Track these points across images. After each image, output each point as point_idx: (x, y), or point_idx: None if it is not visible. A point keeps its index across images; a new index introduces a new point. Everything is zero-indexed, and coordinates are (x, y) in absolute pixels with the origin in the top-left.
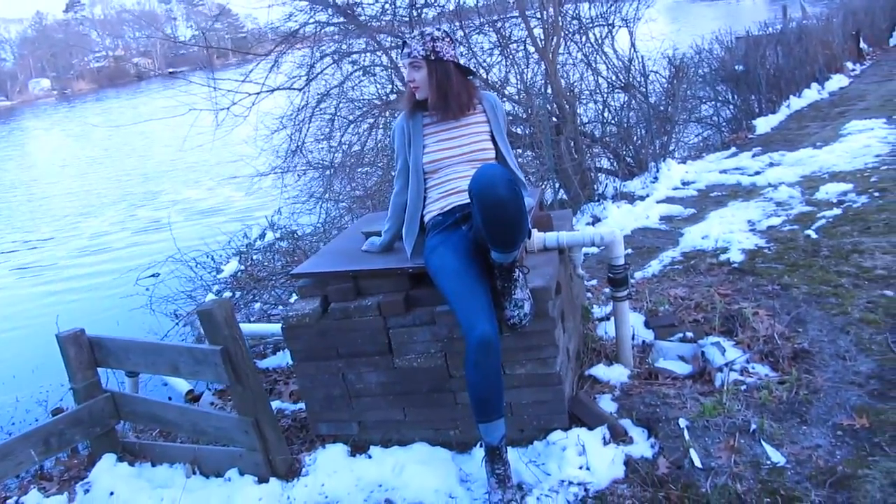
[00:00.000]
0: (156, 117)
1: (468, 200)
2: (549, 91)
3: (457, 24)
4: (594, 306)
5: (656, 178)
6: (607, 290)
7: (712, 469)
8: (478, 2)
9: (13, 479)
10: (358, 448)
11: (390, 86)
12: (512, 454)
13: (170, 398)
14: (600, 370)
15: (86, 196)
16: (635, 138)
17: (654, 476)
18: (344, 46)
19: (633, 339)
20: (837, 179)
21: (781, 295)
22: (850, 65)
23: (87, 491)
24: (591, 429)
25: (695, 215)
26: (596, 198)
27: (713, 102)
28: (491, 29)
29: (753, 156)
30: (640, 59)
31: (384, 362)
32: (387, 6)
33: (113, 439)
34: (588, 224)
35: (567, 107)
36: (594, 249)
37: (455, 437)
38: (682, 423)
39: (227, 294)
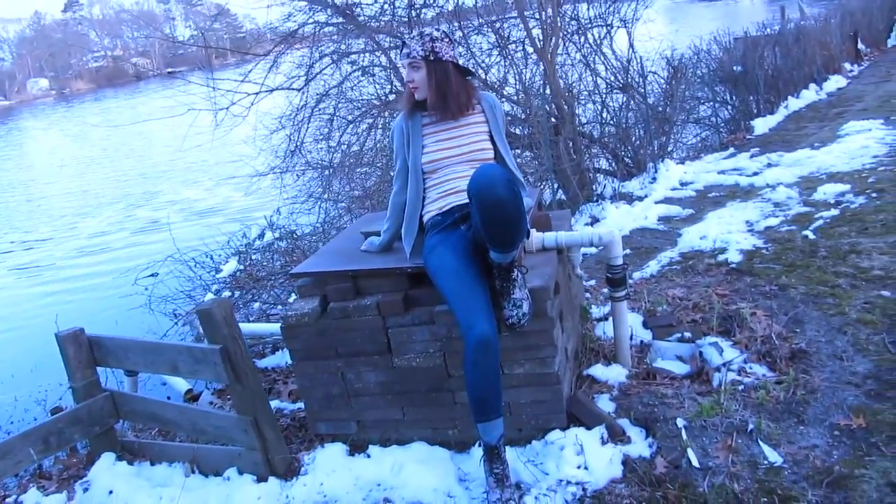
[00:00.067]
0: (154, 117)
1: (467, 200)
2: (548, 91)
3: (455, 24)
4: (592, 306)
5: (655, 179)
6: (606, 290)
7: (710, 469)
8: (476, 2)
9: (12, 478)
10: (357, 447)
11: (389, 86)
12: (510, 453)
13: (168, 397)
14: (598, 370)
15: (84, 196)
16: (634, 139)
17: (651, 476)
18: (343, 47)
19: (631, 339)
20: (835, 180)
21: (779, 295)
22: (847, 66)
23: (86, 490)
24: (589, 428)
25: (693, 216)
26: (594, 198)
27: (711, 103)
28: (489, 29)
29: (751, 156)
30: (639, 60)
31: (383, 362)
32: (386, 6)
33: (112, 438)
34: (587, 224)
35: (566, 107)
36: (593, 250)
37: (454, 437)
38: (680, 422)
39: (227, 294)
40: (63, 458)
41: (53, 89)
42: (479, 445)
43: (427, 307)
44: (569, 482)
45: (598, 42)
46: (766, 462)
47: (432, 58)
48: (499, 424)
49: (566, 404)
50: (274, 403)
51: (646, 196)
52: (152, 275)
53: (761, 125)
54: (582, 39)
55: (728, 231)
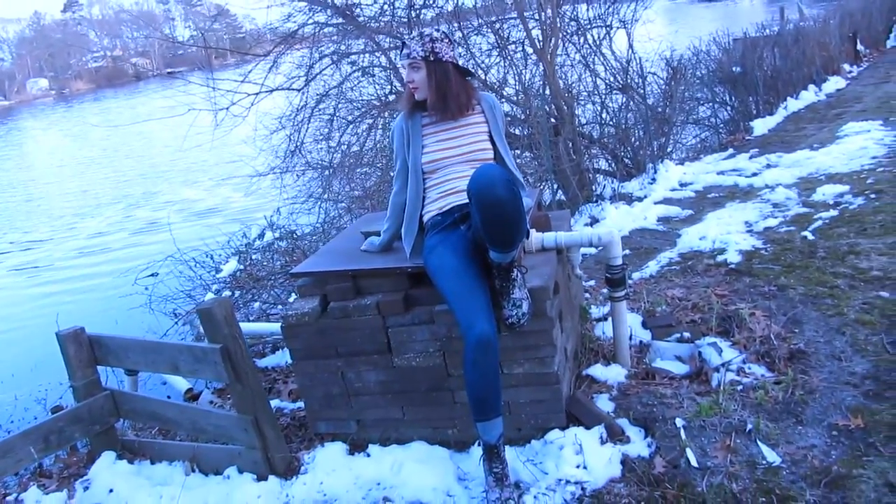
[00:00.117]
0: (154, 117)
1: (467, 200)
2: (548, 92)
3: (455, 25)
4: (592, 306)
5: (654, 180)
6: (605, 290)
7: (708, 468)
8: (476, 3)
9: (12, 477)
10: (356, 446)
11: (389, 86)
12: (509, 453)
13: (168, 397)
14: (598, 370)
15: (83, 196)
16: (633, 139)
17: (650, 475)
18: (343, 47)
19: (630, 339)
20: (834, 181)
21: (778, 296)
22: (847, 67)
23: (86, 488)
24: (588, 428)
25: (692, 216)
26: (594, 199)
27: (711, 104)
28: (489, 30)
29: (751, 157)
30: (638, 61)
31: (383, 361)
32: (385, 7)
33: (112, 437)
34: (586, 225)
35: (565, 108)
36: (592, 250)
37: (453, 436)
38: (679, 422)
39: (227, 293)
40: (63, 456)
41: (53, 89)
42: (479, 445)
43: (427, 307)
44: (568, 481)
45: (598, 43)
46: (764, 462)
47: (432, 58)
48: (498, 424)
49: (565, 404)
50: (274, 403)
51: (645, 197)
52: (152, 274)
53: (760, 126)
54: (581, 40)
55: (727, 232)
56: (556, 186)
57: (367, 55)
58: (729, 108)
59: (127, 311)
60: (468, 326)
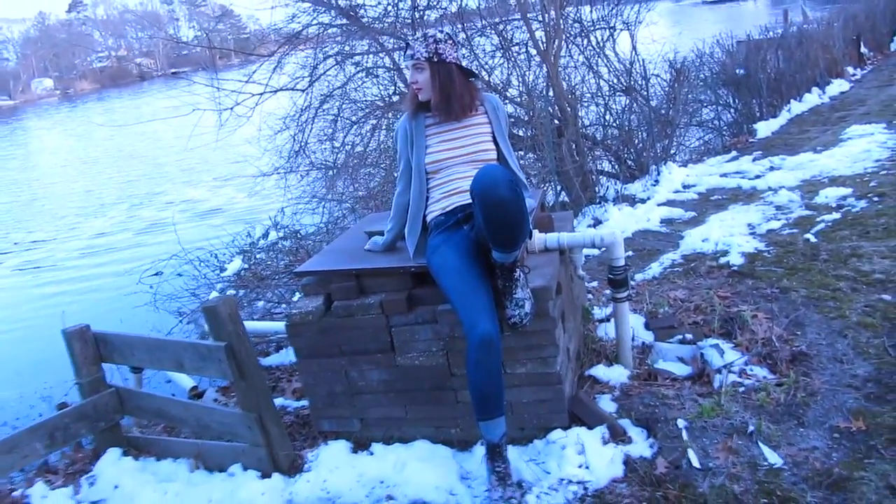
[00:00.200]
0: (159, 117)
1: (470, 200)
2: (551, 94)
3: (459, 26)
4: (594, 307)
5: (657, 181)
6: (608, 291)
7: (710, 469)
8: (480, 4)
9: (19, 472)
10: (360, 445)
11: (393, 87)
12: (512, 452)
13: (173, 395)
14: (600, 370)
15: (88, 196)
16: (636, 141)
17: (652, 476)
18: (347, 48)
19: (632, 340)
20: (837, 184)
21: (780, 298)
22: (850, 69)
23: (91, 484)
24: (590, 428)
25: (695, 218)
26: (597, 200)
27: (714, 106)
28: (493, 31)
29: (754, 160)
30: (642, 63)
31: (386, 360)
32: (389, 8)
33: (117, 434)
34: (589, 226)
35: (569, 109)
36: (595, 251)
37: (456, 435)
38: (681, 423)
39: (231, 292)
40: (69, 452)
41: (58, 89)
42: (482, 444)
43: (430, 306)
44: (570, 481)
45: (601, 44)
46: (766, 463)
47: (436, 59)
48: (501, 423)
49: (568, 404)
50: (278, 401)
51: (648, 198)
52: (157, 274)
53: (764, 128)
54: (585, 42)
55: (730, 234)
56: (559, 188)
57: (370, 56)
58: (732, 110)
59: (132, 310)
60: (471, 326)
